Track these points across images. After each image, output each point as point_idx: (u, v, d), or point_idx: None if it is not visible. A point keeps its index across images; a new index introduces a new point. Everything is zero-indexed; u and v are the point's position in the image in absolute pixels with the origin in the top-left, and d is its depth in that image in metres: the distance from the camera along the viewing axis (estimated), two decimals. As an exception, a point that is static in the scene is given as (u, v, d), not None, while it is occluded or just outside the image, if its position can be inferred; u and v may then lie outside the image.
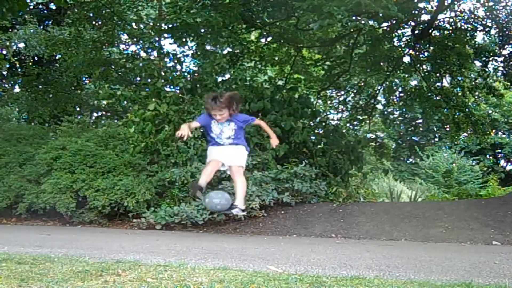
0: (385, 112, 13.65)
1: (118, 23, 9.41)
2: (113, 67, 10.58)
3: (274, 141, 4.63)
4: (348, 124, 12.66)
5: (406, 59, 10.59)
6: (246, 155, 4.49)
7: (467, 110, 10.96)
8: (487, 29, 9.31)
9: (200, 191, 4.17)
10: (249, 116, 4.70)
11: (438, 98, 11.00)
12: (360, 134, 12.44)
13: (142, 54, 11.11)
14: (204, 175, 4.24)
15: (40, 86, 11.58)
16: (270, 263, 2.58)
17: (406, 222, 5.32)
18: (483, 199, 8.03)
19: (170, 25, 8.45)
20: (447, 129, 22.13)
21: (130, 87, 10.49)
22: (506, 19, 8.85)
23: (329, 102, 13.44)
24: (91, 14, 9.27)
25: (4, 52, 11.74)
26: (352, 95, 12.42)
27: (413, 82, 13.47)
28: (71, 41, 9.61)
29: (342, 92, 12.52)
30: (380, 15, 5.92)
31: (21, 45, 12.14)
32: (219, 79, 8.87)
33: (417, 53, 10.32)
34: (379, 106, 13.41)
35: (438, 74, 10.71)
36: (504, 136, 22.37)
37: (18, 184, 6.24)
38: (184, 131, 4.21)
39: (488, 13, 8.96)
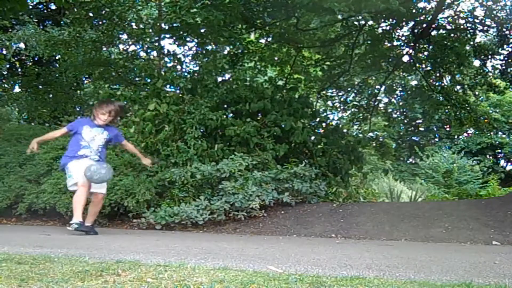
0: (389, 110, 13.69)
1: (118, 23, 9.41)
2: (112, 67, 10.58)
3: (146, 161, 4.84)
4: (351, 123, 12.69)
5: (406, 58, 10.61)
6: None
7: (467, 107, 10.99)
8: (486, 29, 9.33)
9: (89, 230, 4.38)
10: (120, 134, 4.92)
11: (439, 96, 11.03)
12: (360, 134, 12.46)
13: (142, 54, 11.13)
14: (82, 207, 4.38)
15: (40, 86, 11.59)
16: (270, 263, 2.58)
17: (406, 222, 5.32)
18: (483, 199, 8.02)
19: (170, 25, 8.46)
20: (447, 129, 22.19)
21: (130, 87, 10.50)
22: (505, 19, 8.87)
23: (329, 102, 13.46)
24: (91, 14, 9.28)
25: (4, 52, 11.74)
26: (353, 95, 12.44)
27: (413, 82, 13.50)
28: (71, 41, 9.61)
29: (343, 92, 12.55)
30: (381, 8, 5.90)
31: (21, 45, 12.14)
32: (219, 79, 8.88)
33: (417, 52, 10.34)
34: (381, 106, 13.45)
35: (438, 74, 10.74)
36: (504, 136, 22.37)
37: (18, 184, 6.24)
38: (34, 145, 4.45)
39: (487, 13, 8.97)
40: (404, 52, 10.42)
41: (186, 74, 9.91)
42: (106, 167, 4.53)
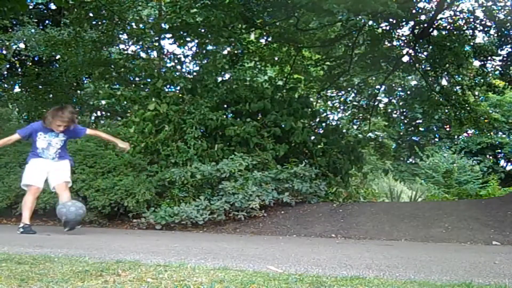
0: (388, 110, 13.69)
1: (118, 23, 9.41)
2: (112, 67, 10.57)
3: (123, 145, 4.76)
4: (350, 123, 12.68)
5: (406, 58, 10.61)
6: (69, 167, 4.68)
7: (468, 107, 10.98)
8: (486, 29, 9.32)
9: (33, 232, 4.31)
10: (81, 128, 4.85)
11: (438, 97, 11.03)
12: (360, 134, 12.46)
13: (142, 54, 11.13)
14: (29, 210, 4.38)
15: (40, 86, 11.57)
16: (270, 263, 2.58)
17: (406, 222, 5.32)
18: (483, 199, 8.03)
19: (170, 25, 8.46)
20: (447, 129, 22.19)
21: (130, 87, 10.49)
22: (505, 20, 8.86)
23: (329, 102, 13.47)
24: (91, 14, 9.28)
25: (4, 52, 11.74)
26: (353, 95, 12.44)
27: (413, 82, 13.51)
28: (71, 41, 9.61)
29: (343, 92, 12.54)
30: (380, 11, 5.92)
31: (21, 45, 12.15)
32: (219, 79, 8.89)
33: (416, 53, 10.33)
34: (381, 106, 13.44)
35: (436, 74, 10.73)
36: (504, 136, 22.34)
37: (18, 184, 6.21)
38: None
39: (487, 13, 8.97)
40: (404, 52, 10.42)
41: (186, 74, 9.91)
42: (78, 208, 4.50)
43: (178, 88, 8.17)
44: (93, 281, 1.92)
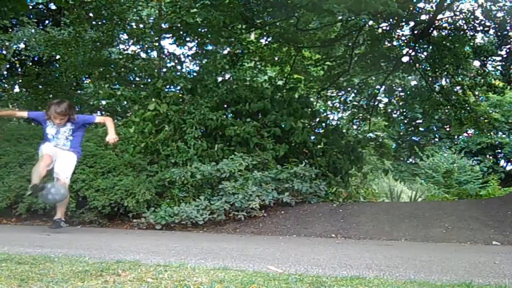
0: (388, 110, 13.70)
1: (118, 23, 9.42)
2: (112, 67, 10.58)
3: (111, 136, 4.78)
4: (350, 123, 12.68)
5: (405, 58, 10.61)
6: (75, 162, 4.74)
7: (468, 107, 10.99)
8: (485, 29, 9.33)
9: (41, 190, 4.40)
10: (89, 115, 4.91)
11: (438, 97, 11.03)
12: (360, 134, 12.46)
13: (142, 54, 11.14)
14: (38, 175, 4.43)
15: (40, 86, 11.58)
16: (270, 263, 2.58)
17: (406, 222, 5.32)
18: (483, 199, 8.03)
19: (170, 25, 8.46)
20: (447, 129, 22.20)
21: (130, 87, 10.50)
22: (503, 20, 8.86)
23: (329, 102, 13.47)
24: (91, 14, 9.29)
25: (4, 52, 11.75)
26: (353, 95, 12.44)
27: (413, 82, 13.50)
28: (71, 41, 9.61)
29: (343, 92, 12.55)
30: (380, 10, 5.92)
31: (21, 45, 12.15)
32: (219, 79, 8.89)
33: (416, 53, 10.33)
34: (381, 106, 13.45)
35: (435, 74, 10.74)
36: (504, 136, 22.35)
37: (18, 184, 6.22)
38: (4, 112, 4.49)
39: (486, 14, 8.97)
40: (404, 52, 10.42)
41: (186, 74, 9.91)
42: (55, 189, 4.50)
43: (178, 88, 8.17)
44: (93, 281, 1.92)
